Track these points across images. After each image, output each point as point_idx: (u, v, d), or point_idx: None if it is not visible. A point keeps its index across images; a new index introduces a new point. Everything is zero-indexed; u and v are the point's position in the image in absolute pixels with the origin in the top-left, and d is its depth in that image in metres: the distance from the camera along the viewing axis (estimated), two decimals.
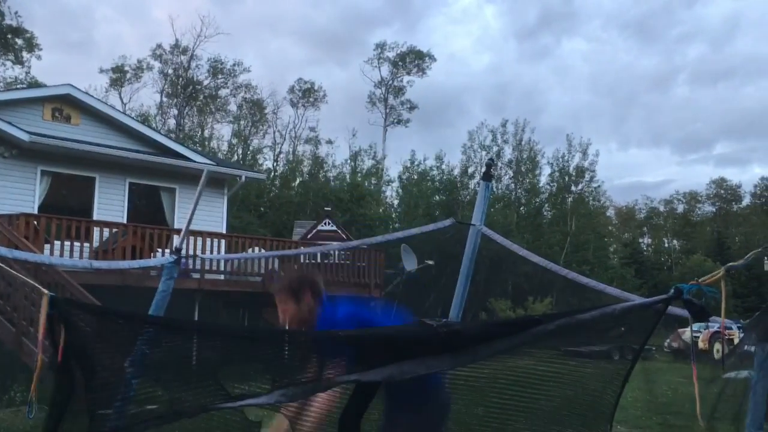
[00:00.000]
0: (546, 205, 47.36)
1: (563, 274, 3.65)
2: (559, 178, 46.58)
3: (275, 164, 46.78)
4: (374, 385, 3.05)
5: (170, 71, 46.42)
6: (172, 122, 45.75)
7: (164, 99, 46.34)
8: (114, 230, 13.71)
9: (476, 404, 3.62)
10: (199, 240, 14.08)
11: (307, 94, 49.32)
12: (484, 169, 4.48)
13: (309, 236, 24.11)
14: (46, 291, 2.47)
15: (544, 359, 3.05)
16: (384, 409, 3.19)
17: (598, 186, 48.20)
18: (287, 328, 3.16)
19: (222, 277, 14.97)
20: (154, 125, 38.44)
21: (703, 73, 78.36)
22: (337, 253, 16.59)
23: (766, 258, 35.51)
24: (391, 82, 50.54)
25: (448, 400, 3.18)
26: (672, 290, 2.05)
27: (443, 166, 44.71)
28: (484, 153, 46.08)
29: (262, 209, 39.42)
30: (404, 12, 72.38)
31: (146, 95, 71.54)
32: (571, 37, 75.71)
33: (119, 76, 45.93)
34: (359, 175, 46.86)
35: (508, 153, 47.05)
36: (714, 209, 62.99)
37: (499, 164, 45.03)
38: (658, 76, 77.33)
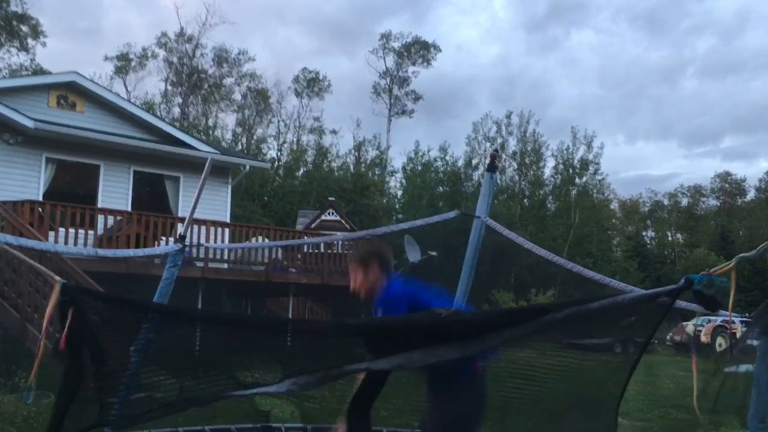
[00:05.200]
0: (550, 197, 47.30)
1: (568, 267, 3.65)
2: (564, 170, 46.48)
3: (279, 154, 46.75)
4: (384, 374, 3.10)
5: (175, 60, 46.37)
6: (176, 111, 45.75)
7: (169, 87, 46.33)
8: (118, 218, 13.73)
9: None
10: (203, 229, 14.10)
11: (311, 84, 49.21)
12: (488, 160, 4.48)
13: (313, 226, 24.14)
14: (57, 278, 2.48)
15: (545, 352, 3.05)
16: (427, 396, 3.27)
17: (603, 179, 48.14)
18: (358, 294, 3.39)
19: (225, 266, 15.00)
20: (158, 114, 38.42)
21: (712, 66, 77.91)
22: (340, 243, 16.60)
23: None
24: (396, 72, 50.39)
25: (484, 398, 3.25)
26: (682, 281, 2.03)
27: (447, 157, 44.66)
28: (488, 144, 46.05)
29: (265, 198, 39.44)
30: (413, 2, 72.12)
31: (151, 83, 71.43)
32: (580, 28, 75.35)
33: (124, 64, 45.89)
34: (363, 165, 46.82)
35: (512, 145, 47.02)
36: (718, 203, 62.80)
37: (504, 156, 44.97)
38: (666, 68, 76.96)
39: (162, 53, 46.20)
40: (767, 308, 2.35)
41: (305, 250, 16.37)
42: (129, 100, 25.05)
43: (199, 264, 13.89)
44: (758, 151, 79.82)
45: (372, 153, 48.42)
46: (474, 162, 45.52)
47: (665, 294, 2.11)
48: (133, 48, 46.28)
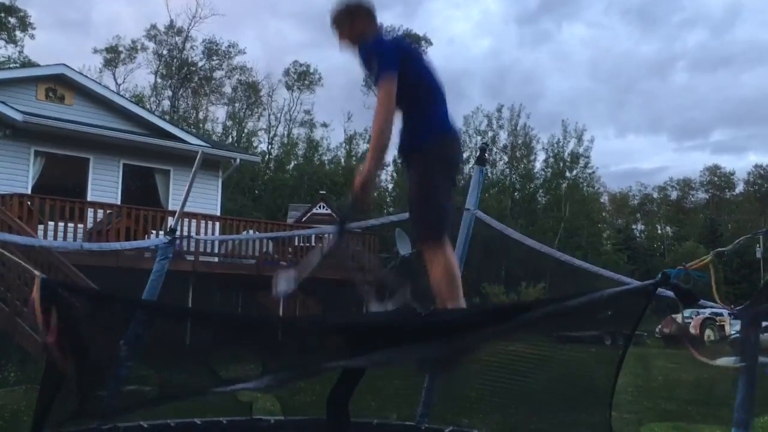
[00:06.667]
0: (540, 190, 47.44)
1: (556, 256, 3.69)
2: (554, 163, 46.63)
3: (270, 147, 46.66)
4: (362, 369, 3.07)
5: (165, 52, 46.12)
6: (166, 104, 45.52)
7: (158, 80, 46.07)
8: (108, 211, 13.68)
9: (468, 388, 3.65)
10: (194, 222, 14.06)
11: (302, 77, 49.06)
12: (478, 153, 4.53)
13: (303, 219, 24.11)
14: (37, 273, 2.47)
15: (535, 344, 3.07)
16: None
17: (593, 172, 48.34)
18: (342, 49, 3.22)
19: (216, 259, 14.97)
20: (148, 106, 38.23)
21: (702, 59, 78.20)
22: (331, 236, 16.58)
23: (758, 245, 35.68)
24: None
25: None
26: (659, 275, 2.07)
27: None
28: (479, 138, 46.09)
29: (256, 192, 39.38)
30: None
31: (140, 76, 70.86)
32: (572, 22, 75.42)
33: (113, 57, 45.59)
34: (354, 158, 46.78)
35: (503, 138, 47.09)
36: (707, 196, 63.18)
37: (494, 149, 45.04)
38: (658, 62, 77.16)
39: (152, 46, 45.97)
40: (754, 301, 2.38)
41: (296, 243, 16.35)
42: (118, 93, 24.90)
43: (190, 258, 13.86)
44: (747, 144, 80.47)
45: (363, 146, 48.35)
46: (465, 156, 45.59)
47: (642, 289, 2.14)
48: (123, 40, 46.02)
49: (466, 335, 2.08)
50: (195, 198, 15.04)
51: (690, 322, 25.00)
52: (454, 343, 2.11)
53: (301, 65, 49.40)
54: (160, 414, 4.13)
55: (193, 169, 3.78)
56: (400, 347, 2.14)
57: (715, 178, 63.23)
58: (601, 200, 56.46)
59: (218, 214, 16.68)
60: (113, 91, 22.91)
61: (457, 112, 46.33)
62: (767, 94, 76.23)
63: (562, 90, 71.69)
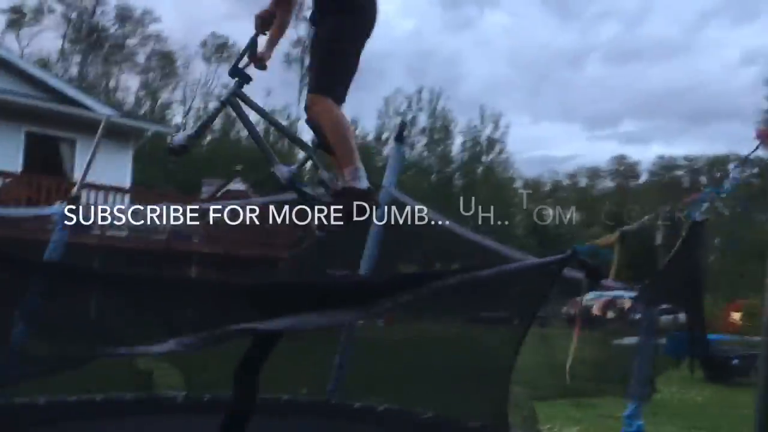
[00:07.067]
0: (457, 174, 48.28)
1: (469, 236, 3.75)
2: (471, 148, 47.53)
3: (185, 120, 45.35)
4: (274, 337, 2.99)
5: (73, 15, 43.92)
6: (74, 71, 43.43)
7: (67, 45, 43.85)
8: (7, 180, 12.97)
9: (378, 365, 3.67)
10: (102, 194, 13.52)
11: (220, 50, 47.84)
12: (396, 131, 4.55)
13: (218, 195, 23.63)
14: None
15: (444, 324, 3.11)
16: None
17: (507, 157, 49.58)
18: None
19: (124, 233, 14.47)
20: (54, 72, 36.36)
21: (615, 52, 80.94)
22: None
23: (657, 232, 37.58)
24: (308, 42, 49.70)
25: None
26: (569, 251, 2.11)
27: (357, 131, 44.61)
28: (398, 119, 46.42)
29: (169, 165, 38.23)
30: None
31: (47, 40, 67.37)
32: (493, 9, 76.36)
33: (17, 18, 43.03)
34: (272, 135, 46.12)
35: (422, 120, 47.54)
36: (614, 185, 65.93)
37: (413, 131, 45.45)
38: (573, 52, 79.31)
39: (59, 8, 43.65)
40: (651, 283, 2.53)
41: (209, 218, 16.00)
42: (21, 56, 23.55)
43: (96, 231, 13.34)
44: (653, 136, 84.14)
45: (282, 123, 47.74)
46: (384, 137, 45.80)
47: (553, 263, 2.18)
48: (28, 1, 43.47)
49: (380, 300, 2.06)
50: (104, 169, 14.44)
51: (593, 305, 26.04)
52: (369, 307, 2.09)
53: (218, 37, 48.18)
54: (59, 389, 3.96)
55: (97, 136, 3.60)
56: (315, 310, 2.11)
57: (622, 168, 66.05)
58: (515, 185, 58.04)
59: (128, 186, 16.12)
60: (15, 53, 21.63)
61: (378, 93, 46.48)
62: (673, 88, 79.77)
63: (481, 75, 72.85)
